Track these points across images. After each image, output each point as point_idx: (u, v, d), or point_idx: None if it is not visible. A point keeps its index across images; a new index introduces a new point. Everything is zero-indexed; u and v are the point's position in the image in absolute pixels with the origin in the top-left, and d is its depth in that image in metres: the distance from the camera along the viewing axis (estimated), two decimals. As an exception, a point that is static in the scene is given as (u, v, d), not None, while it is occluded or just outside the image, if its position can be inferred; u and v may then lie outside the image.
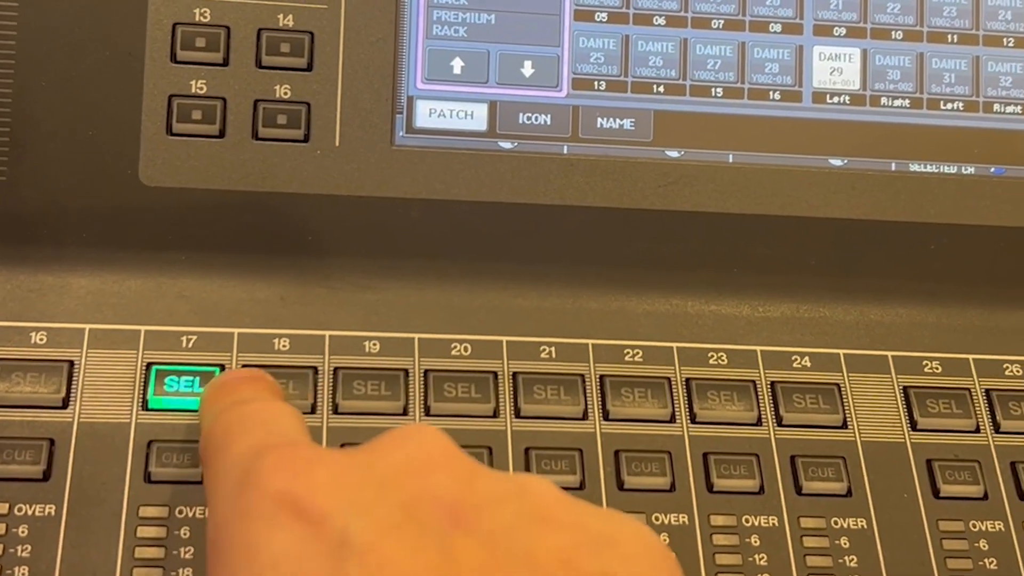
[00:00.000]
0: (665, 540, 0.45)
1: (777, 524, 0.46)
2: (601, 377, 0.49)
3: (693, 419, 0.48)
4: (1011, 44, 0.54)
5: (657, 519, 0.46)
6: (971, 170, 0.53)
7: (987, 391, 0.51)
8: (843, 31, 0.53)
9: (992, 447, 0.50)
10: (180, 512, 0.43)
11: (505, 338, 0.49)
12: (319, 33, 0.49)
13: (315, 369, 0.47)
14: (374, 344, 0.48)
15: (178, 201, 0.48)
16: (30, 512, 0.42)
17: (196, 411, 0.45)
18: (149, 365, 0.46)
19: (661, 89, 0.52)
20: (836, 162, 0.52)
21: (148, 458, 0.44)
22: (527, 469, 0.46)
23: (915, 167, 0.53)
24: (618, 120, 0.51)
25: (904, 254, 0.52)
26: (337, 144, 0.49)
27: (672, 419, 0.48)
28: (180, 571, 0.42)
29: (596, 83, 0.52)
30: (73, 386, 0.45)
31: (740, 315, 0.52)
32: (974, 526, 0.48)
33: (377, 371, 0.47)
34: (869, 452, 0.49)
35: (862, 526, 0.47)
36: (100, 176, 0.48)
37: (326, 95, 0.49)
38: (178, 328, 0.47)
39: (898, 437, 0.49)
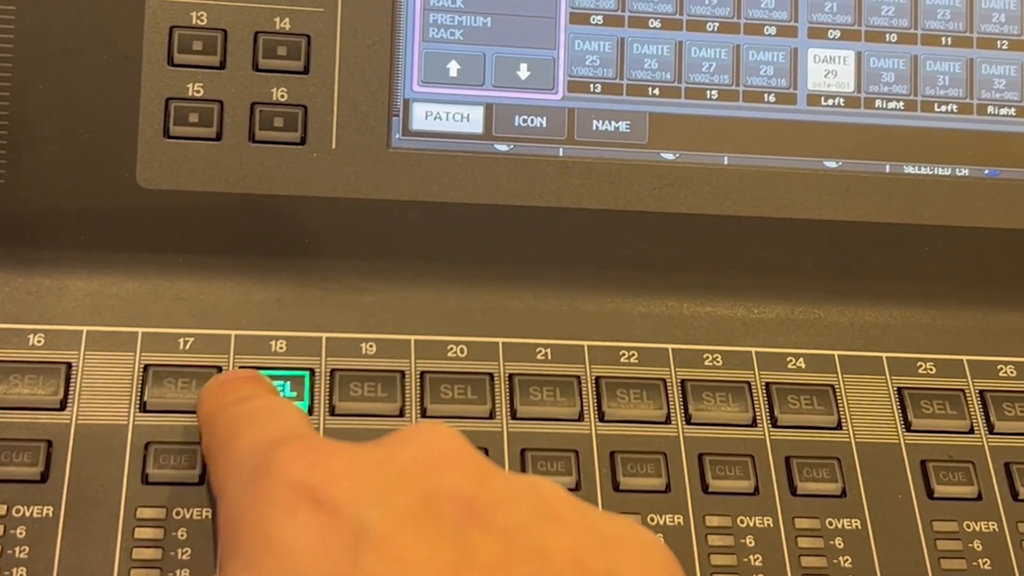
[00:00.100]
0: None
1: (772, 525, 0.46)
2: (597, 379, 0.49)
3: (688, 420, 0.48)
4: (1005, 47, 0.54)
5: (652, 520, 0.46)
6: (965, 172, 0.53)
7: (981, 392, 0.51)
8: (837, 34, 0.53)
9: (986, 448, 0.50)
10: (177, 513, 0.43)
11: (501, 340, 0.49)
12: (316, 36, 0.50)
13: (312, 371, 0.47)
14: (371, 346, 0.48)
15: (175, 203, 0.48)
16: (28, 513, 0.43)
17: (194, 413, 0.45)
18: (147, 367, 0.46)
19: (656, 92, 0.52)
20: (831, 164, 0.53)
21: (146, 460, 0.44)
22: (523, 470, 0.46)
23: (909, 169, 0.53)
24: (614, 122, 0.52)
25: (898, 256, 0.53)
26: (333, 147, 0.49)
27: (667, 420, 0.48)
28: (177, 572, 0.42)
29: (592, 86, 0.52)
30: (71, 388, 0.45)
31: (735, 317, 0.52)
32: (968, 527, 0.48)
33: (374, 373, 0.47)
34: (863, 453, 0.49)
35: (856, 527, 0.47)
36: (97, 178, 0.48)
37: (323, 98, 0.49)
38: (175, 330, 0.47)
39: (892, 438, 0.49)
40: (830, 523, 0.47)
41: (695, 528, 0.46)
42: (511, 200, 0.50)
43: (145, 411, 0.45)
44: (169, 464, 0.44)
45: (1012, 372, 0.52)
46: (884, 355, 0.51)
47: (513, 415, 0.47)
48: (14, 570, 0.42)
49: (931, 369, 0.51)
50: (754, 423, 0.49)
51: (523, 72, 0.51)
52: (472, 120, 0.51)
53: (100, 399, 0.45)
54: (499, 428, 0.47)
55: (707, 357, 0.50)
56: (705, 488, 0.47)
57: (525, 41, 0.51)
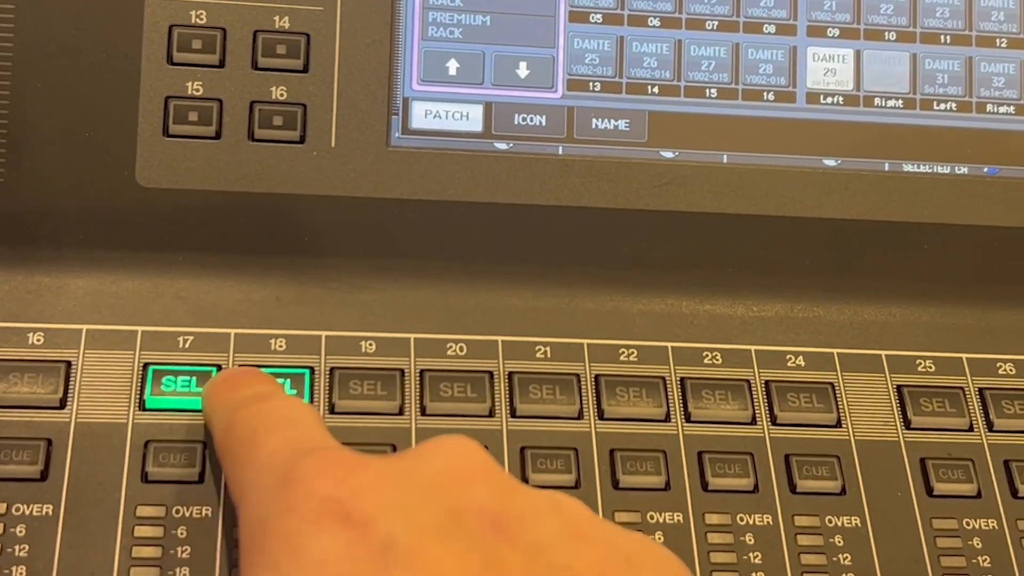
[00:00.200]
0: (660, 539, 0.45)
1: (771, 522, 0.47)
2: (596, 377, 0.49)
3: (688, 418, 0.48)
4: (1004, 45, 0.54)
5: (652, 518, 0.46)
6: (964, 170, 0.53)
7: (980, 390, 0.51)
8: (836, 32, 0.53)
9: (985, 445, 0.50)
10: (177, 512, 0.43)
11: (501, 338, 0.49)
12: (315, 35, 0.50)
13: (311, 369, 0.47)
14: (370, 344, 0.48)
15: (175, 202, 0.48)
16: (27, 512, 0.43)
17: (194, 411, 0.45)
18: (146, 365, 0.46)
19: (656, 90, 0.52)
20: (830, 162, 0.53)
21: (145, 458, 0.44)
22: (523, 469, 0.46)
23: (908, 167, 0.53)
24: (613, 121, 0.52)
25: (898, 254, 0.53)
26: (333, 145, 0.49)
27: (667, 418, 0.48)
28: (177, 570, 0.42)
29: (591, 84, 0.52)
30: (70, 386, 0.45)
31: (734, 315, 0.52)
32: (967, 524, 0.48)
33: (373, 371, 0.47)
34: (863, 451, 0.49)
35: (856, 524, 0.47)
36: (97, 177, 0.48)
37: (322, 96, 0.49)
38: (175, 328, 0.47)
39: (892, 436, 0.49)
40: (829, 521, 0.47)
41: (695, 526, 0.46)
42: (510, 198, 0.50)
43: (144, 409, 0.45)
44: (169, 462, 0.44)
45: (1011, 370, 0.52)
46: (883, 353, 0.52)
47: (513, 413, 0.47)
48: (14, 568, 0.42)
49: (930, 367, 0.51)
50: (753, 421, 0.49)
51: (522, 71, 0.51)
52: (471, 119, 0.51)
53: (100, 397, 0.45)
54: (499, 426, 0.47)
55: (706, 355, 0.50)
56: (705, 486, 0.47)
57: (524, 40, 0.52)
